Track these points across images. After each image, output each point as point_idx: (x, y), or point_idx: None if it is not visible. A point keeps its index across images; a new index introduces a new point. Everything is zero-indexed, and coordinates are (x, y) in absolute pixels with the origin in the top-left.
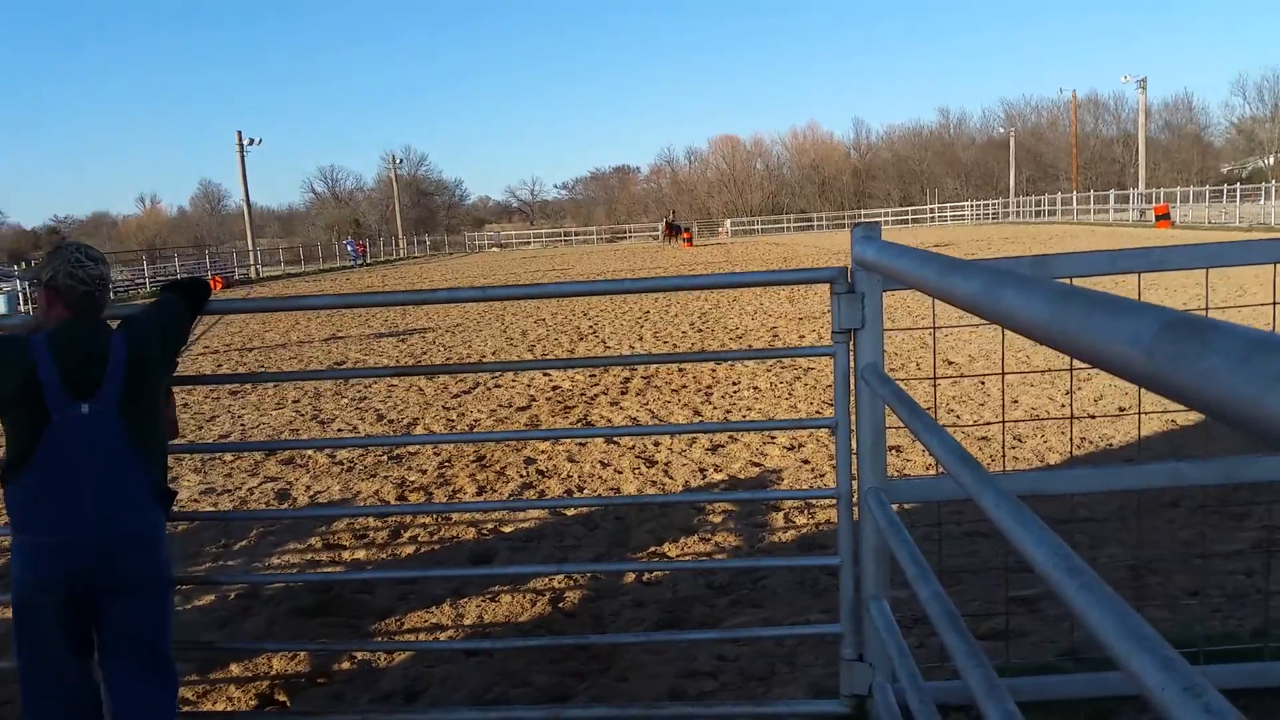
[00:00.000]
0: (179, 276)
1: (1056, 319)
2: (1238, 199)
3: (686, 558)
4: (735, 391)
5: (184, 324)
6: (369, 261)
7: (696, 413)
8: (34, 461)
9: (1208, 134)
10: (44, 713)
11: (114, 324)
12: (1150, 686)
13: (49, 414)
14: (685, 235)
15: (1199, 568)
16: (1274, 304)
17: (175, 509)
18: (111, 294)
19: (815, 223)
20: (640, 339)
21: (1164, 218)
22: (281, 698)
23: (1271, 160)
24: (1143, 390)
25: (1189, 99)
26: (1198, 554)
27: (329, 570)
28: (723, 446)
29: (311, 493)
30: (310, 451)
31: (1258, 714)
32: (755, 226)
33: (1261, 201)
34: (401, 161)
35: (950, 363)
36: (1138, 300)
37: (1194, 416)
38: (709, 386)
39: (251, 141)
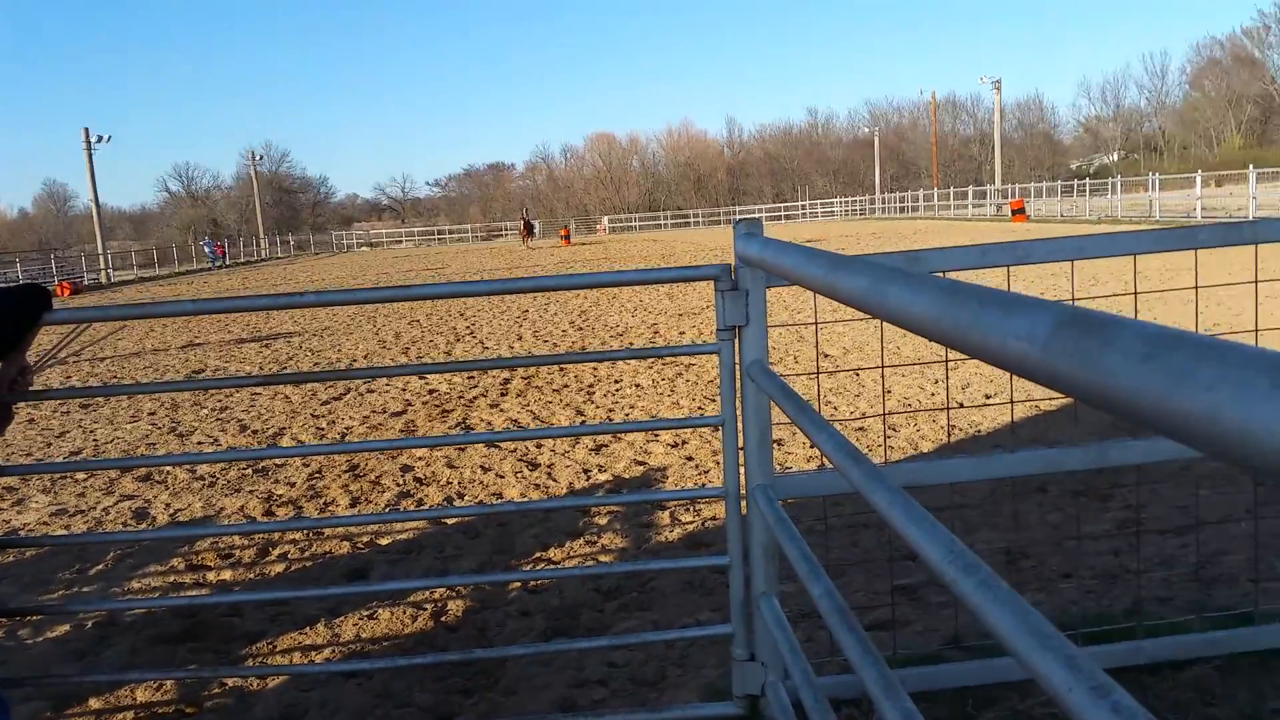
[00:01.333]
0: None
1: (946, 315)
2: (1087, 194)
3: (573, 562)
4: (618, 390)
5: None
6: (228, 263)
7: (579, 412)
8: None
9: (1057, 132)
10: None
11: None
12: (1056, 686)
13: None
14: (563, 233)
15: (1070, 550)
16: (1134, 294)
17: (23, 533)
18: None
19: (692, 219)
20: (519, 338)
21: (1019, 212)
22: None
23: (1115, 157)
24: (1012, 378)
25: (1040, 100)
26: (1069, 536)
27: (193, 594)
28: (606, 446)
29: (172, 510)
30: (169, 467)
31: (1134, 691)
32: (633, 223)
33: (1108, 196)
34: (262, 158)
35: (826, 355)
36: (1029, 295)
37: (1060, 402)
38: (590, 385)
39: (100, 139)
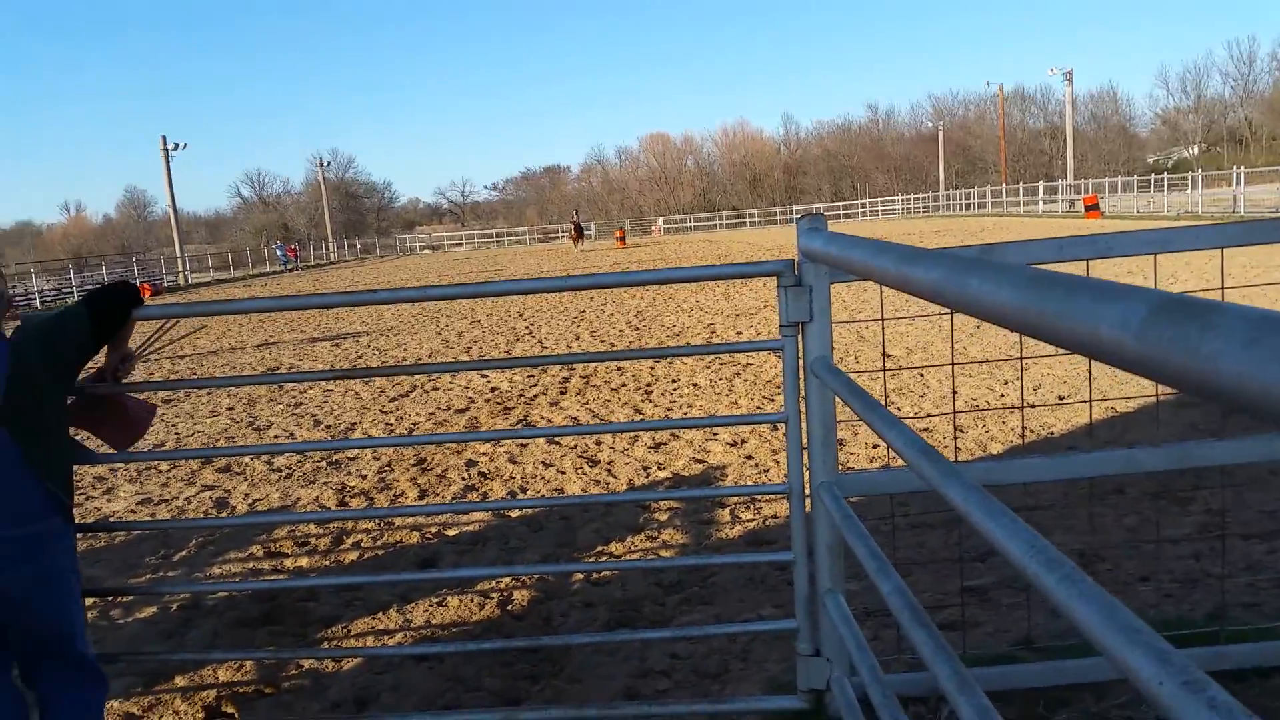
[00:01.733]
0: (103, 284)
1: (1032, 304)
2: (1165, 189)
3: (634, 557)
4: (675, 389)
5: (81, 335)
6: (300, 266)
7: (637, 411)
8: None
9: (1133, 125)
10: None
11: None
12: (1146, 681)
13: None
14: (619, 235)
15: (1148, 553)
16: (1220, 289)
17: (113, 519)
18: (10, 305)
19: (747, 219)
20: (577, 338)
21: (1094, 208)
22: (229, 709)
23: (1195, 150)
24: (1090, 379)
25: (1114, 91)
26: (1146, 540)
27: (272, 579)
28: (665, 444)
29: (250, 500)
30: (248, 459)
31: None
32: (688, 224)
33: (1188, 191)
34: (329, 164)
35: (889, 355)
36: (1120, 283)
37: (1138, 403)
38: (648, 384)
39: (176, 146)
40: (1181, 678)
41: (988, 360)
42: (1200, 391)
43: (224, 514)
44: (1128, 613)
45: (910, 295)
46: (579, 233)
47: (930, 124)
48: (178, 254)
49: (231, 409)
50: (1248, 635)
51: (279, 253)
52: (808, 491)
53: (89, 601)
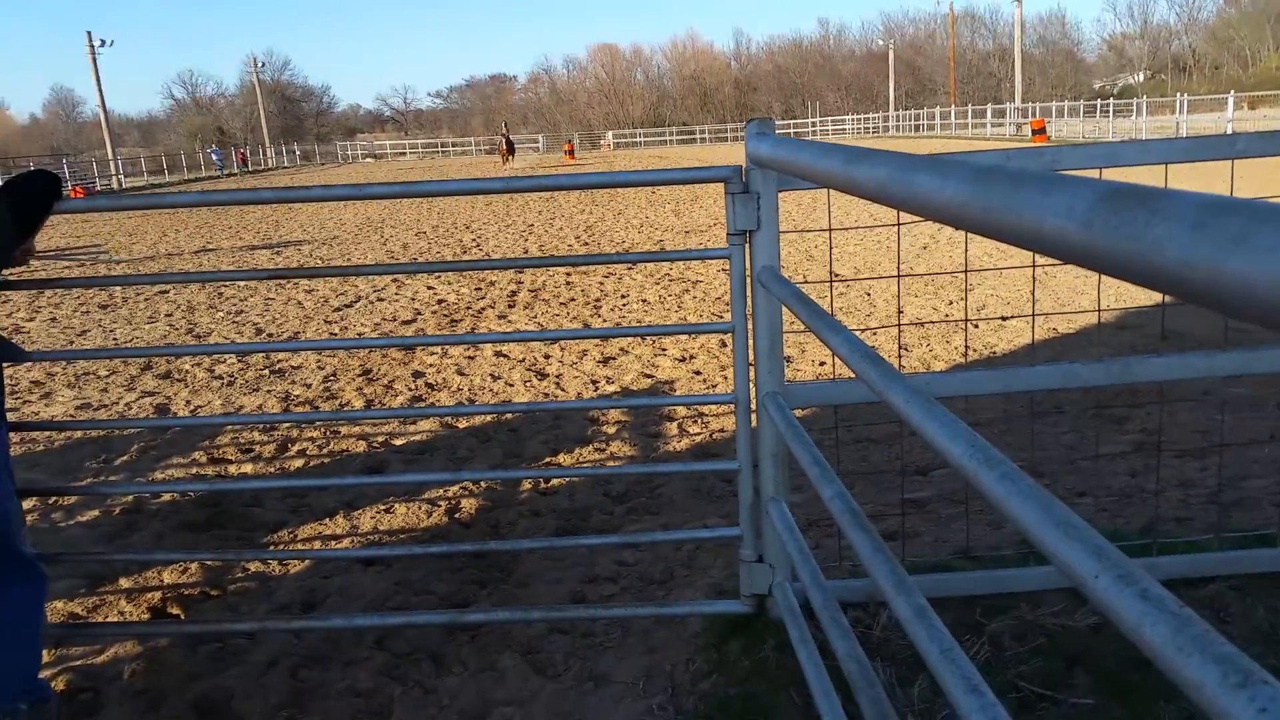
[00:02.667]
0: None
1: (977, 198)
2: (1110, 114)
3: (583, 468)
4: (624, 304)
5: (1, 232)
6: (235, 171)
7: (586, 325)
8: None
9: (1081, 50)
10: None
11: None
12: (1082, 575)
13: None
14: (567, 148)
15: (1085, 469)
16: None
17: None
18: None
19: (698, 135)
20: (525, 252)
21: (1040, 132)
22: (175, 610)
23: (1141, 77)
24: (1034, 299)
25: (1063, 15)
26: (1084, 456)
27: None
28: (614, 359)
29: (192, 407)
30: (189, 366)
31: None
32: (637, 139)
33: (1133, 118)
34: (264, 65)
35: (836, 276)
36: (1066, 174)
37: (1079, 324)
38: (597, 299)
39: (103, 43)
40: (1116, 571)
41: (933, 273)
42: (1147, 279)
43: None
44: (1065, 509)
45: (858, 197)
46: (509, 148)
47: (881, 42)
48: (110, 156)
49: (170, 315)
50: (1178, 548)
51: (214, 157)
52: (754, 403)
53: (29, 504)
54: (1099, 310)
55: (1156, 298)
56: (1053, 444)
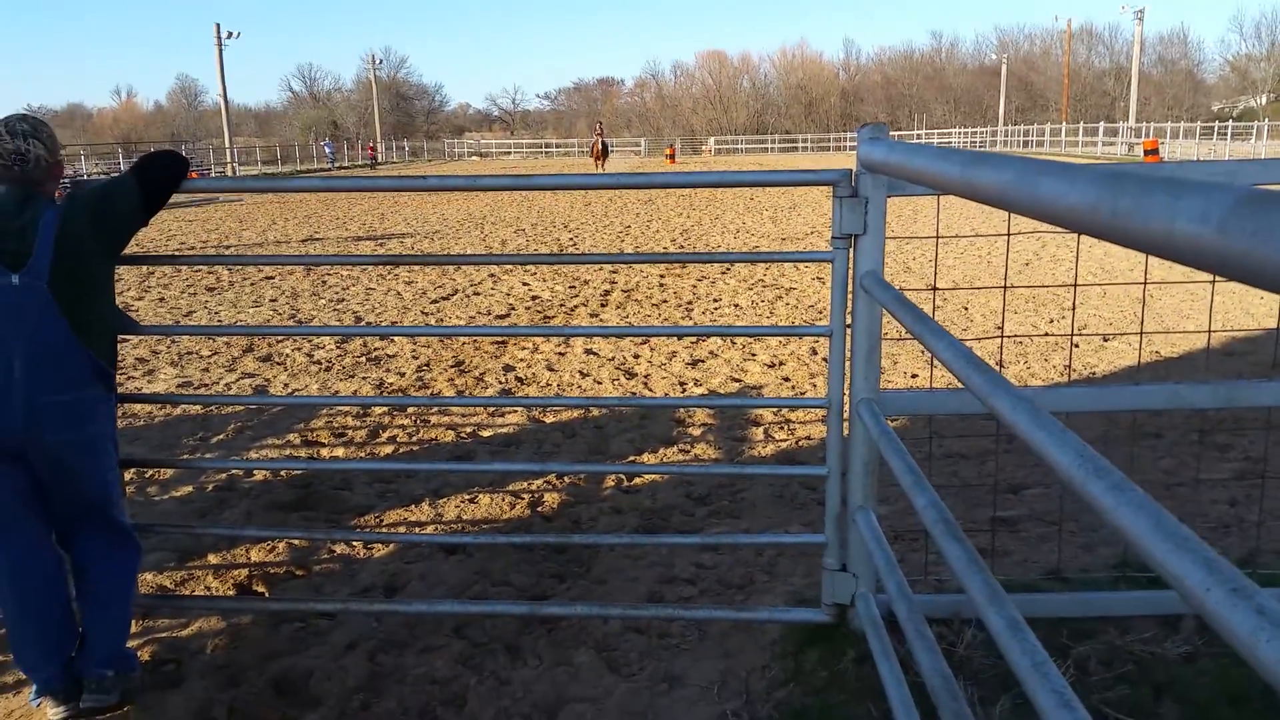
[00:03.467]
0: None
1: (1104, 202)
2: (1228, 137)
3: None
4: (716, 308)
5: (130, 205)
6: (347, 165)
7: (678, 327)
8: None
9: (1201, 70)
10: (5, 570)
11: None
12: (1193, 587)
13: None
14: (669, 152)
15: (1183, 496)
16: None
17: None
18: (50, 169)
19: (800, 144)
20: (621, 252)
21: (1153, 153)
22: (259, 588)
23: (1264, 100)
24: (1143, 318)
25: (1185, 33)
26: (1182, 482)
27: (308, 463)
28: (703, 361)
29: (289, 390)
30: (288, 350)
31: None
32: (739, 146)
33: (1252, 141)
34: (381, 63)
35: (935, 289)
36: (1199, 180)
37: (1186, 346)
38: (689, 302)
39: (229, 35)
40: (1230, 585)
41: (1037, 286)
42: None
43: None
44: (1175, 521)
45: (977, 202)
46: (603, 151)
47: (994, 56)
48: (226, 145)
49: (274, 301)
50: (1277, 581)
51: (327, 150)
52: (846, 409)
53: (126, 474)
54: (1209, 332)
55: (1267, 324)
56: (1151, 468)
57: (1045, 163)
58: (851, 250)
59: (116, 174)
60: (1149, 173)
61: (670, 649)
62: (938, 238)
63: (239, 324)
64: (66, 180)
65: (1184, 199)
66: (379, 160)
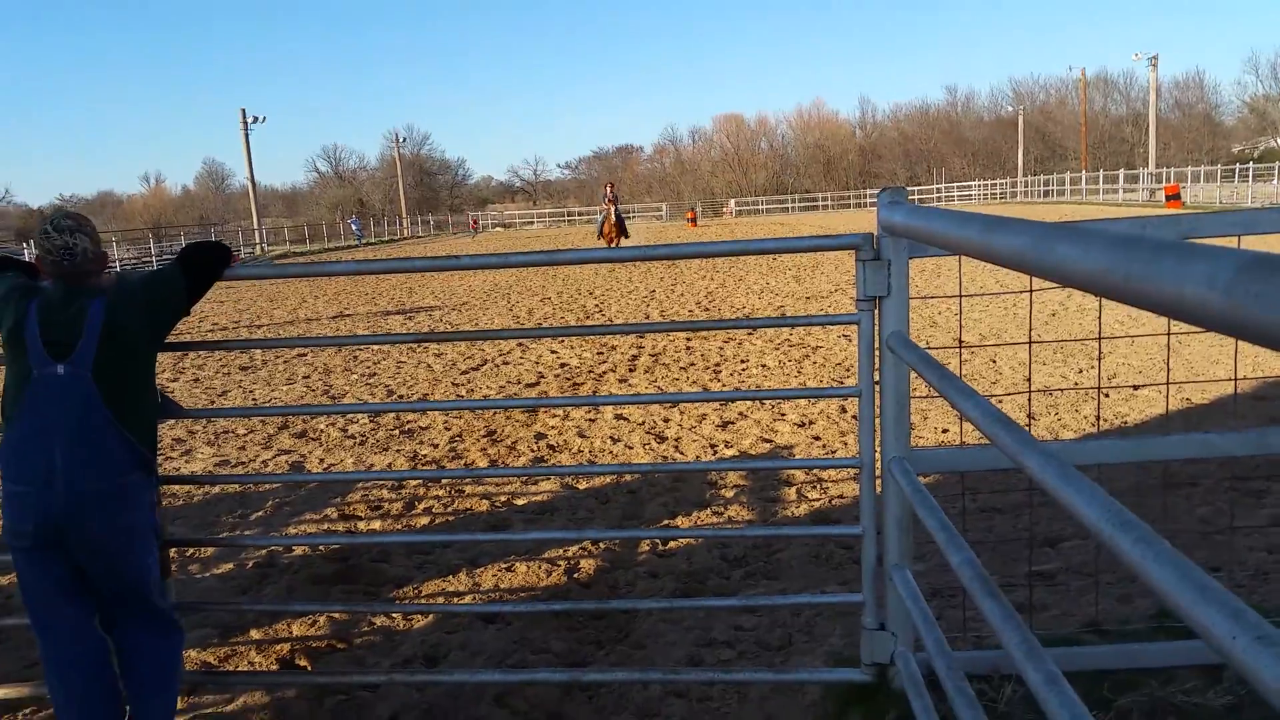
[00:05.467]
0: (197, 241)
1: (1118, 266)
2: (1250, 179)
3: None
4: (744, 369)
5: (176, 295)
6: (373, 240)
7: (705, 390)
8: (18, 414)
9: (1219, 113)
10: (51, 658)
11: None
12: (1220, 637)
13: (30, 370)
14: (690, 215)
15: (1219, 544)
16: None
17: (190, 475)
18: (95, 260)
19: (820, 203)
20: (646, 318)
21: (1174, 198)
22: (302, 662)
23: None
24: (1169, 367)
25: (1200, 77)
26: (1218, 530)
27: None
28: (733, 423)
29: (325, 465)
30: (323, 426)
31: None
32: (760, 206)
33: (1275, 182)
34: (404, 140)
35: (961, 340)
36: (1205, 244)
37: (1215, 394)
38: (717, 364)
39: (255, 119)
40: (1255, 632)
41: (1064, 340)
42: None
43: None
44: (1201, 572)
45: (995, 265)
46: (618, 226)
47: (1010, 108)
48: (255, 226)
49: (308, 378)
50: None
51: (354, 227)
52: (878, 467)
53: (170, 554)
54: (1235, 380)
55: None
56: (1186, 516)
57: (1059, 227)
58: (876, 311)
59: (162, 265)
60: (1166, 231)
61: (712, 713)
62: (960, 296)
63: (273, 402)
64: (112, 267)
65: (1191, 264)
66: (402, 236)
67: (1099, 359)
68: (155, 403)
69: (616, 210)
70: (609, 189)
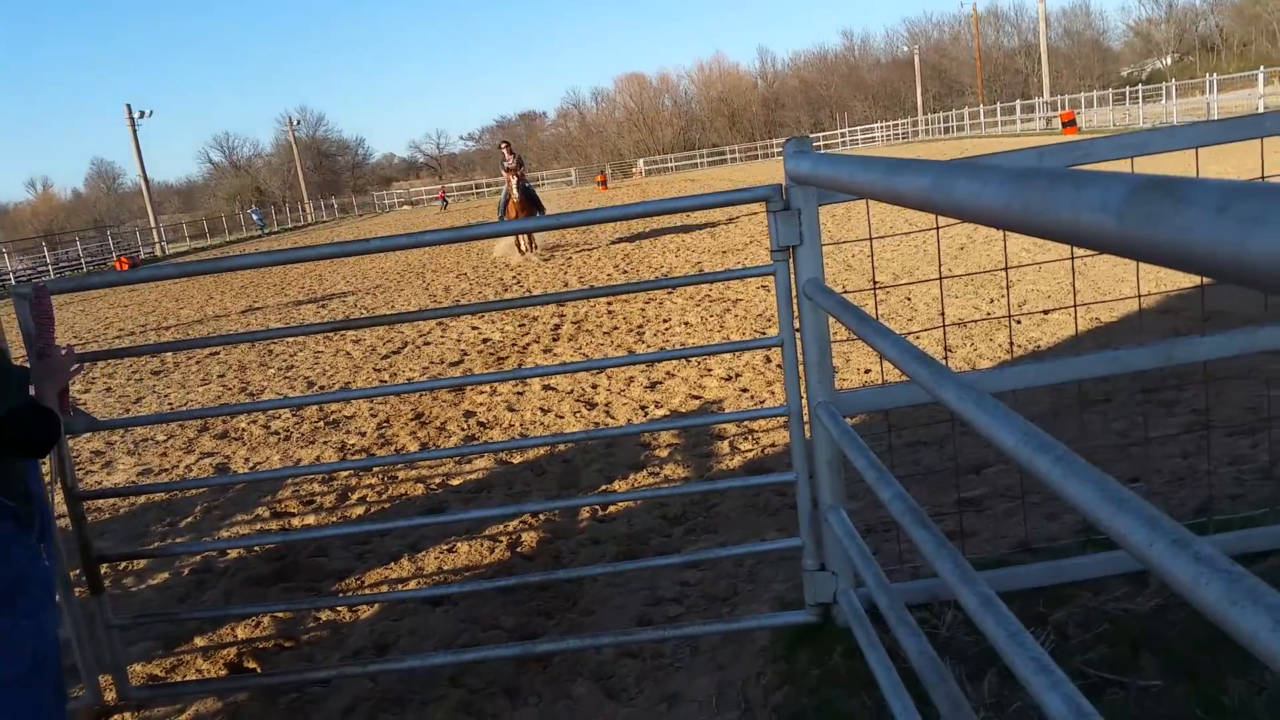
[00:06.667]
0: (25, 410)
1: (1016, 199)
2: (1140, 101)
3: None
4: (667, 328)
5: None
6: (276, 230)
7: (630, 352)
8: None
9: (1106, 39)
10: None
11: None
12: (1137, 544)
13: None
14: (600, 178)
15: (1137, 455)
16: None
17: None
18: None
19: (728, 156)
20: (565, 285)
21: (1070, 124)
22: (251, 664)
23: (1169, 61)
24: (1075, 291)
25: (1086, 5)
26: (1135, 442)
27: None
28: (661, 383)
29: (251, 464)
30: (244, 424)
31: None
32: (669, 164)
33: (1163, 102)
34: (299, 123)
35: (875, 282)
36: (1097, 170)
37: (1121, 311)
38: (640, 326)
39: (142, 114)
40: (1170, 537)
41: (973, 273)
42: (1180, 263)
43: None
44: (1117, 485)
45: (900, 207)
46: (527, 198)
47: (906, 49)
48: (152, 224)
49: (223, 376)
50: (1234, 524)
51: (255, 217)
52: (806, 414)
53: (101, 569)
54: (1139, 296)
55: (1196, 280)
56: (1103, 432)
57: (960, 165)
58: (791, 260)
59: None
60: (1062, 158)
61: (665, 669)
62: (870, 239)
63: (190, 404)
64: None
65: (1085, 191)
66: (306, 222)
67: (1007, 288)
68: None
69: (521, 179)
70: (505, 150)
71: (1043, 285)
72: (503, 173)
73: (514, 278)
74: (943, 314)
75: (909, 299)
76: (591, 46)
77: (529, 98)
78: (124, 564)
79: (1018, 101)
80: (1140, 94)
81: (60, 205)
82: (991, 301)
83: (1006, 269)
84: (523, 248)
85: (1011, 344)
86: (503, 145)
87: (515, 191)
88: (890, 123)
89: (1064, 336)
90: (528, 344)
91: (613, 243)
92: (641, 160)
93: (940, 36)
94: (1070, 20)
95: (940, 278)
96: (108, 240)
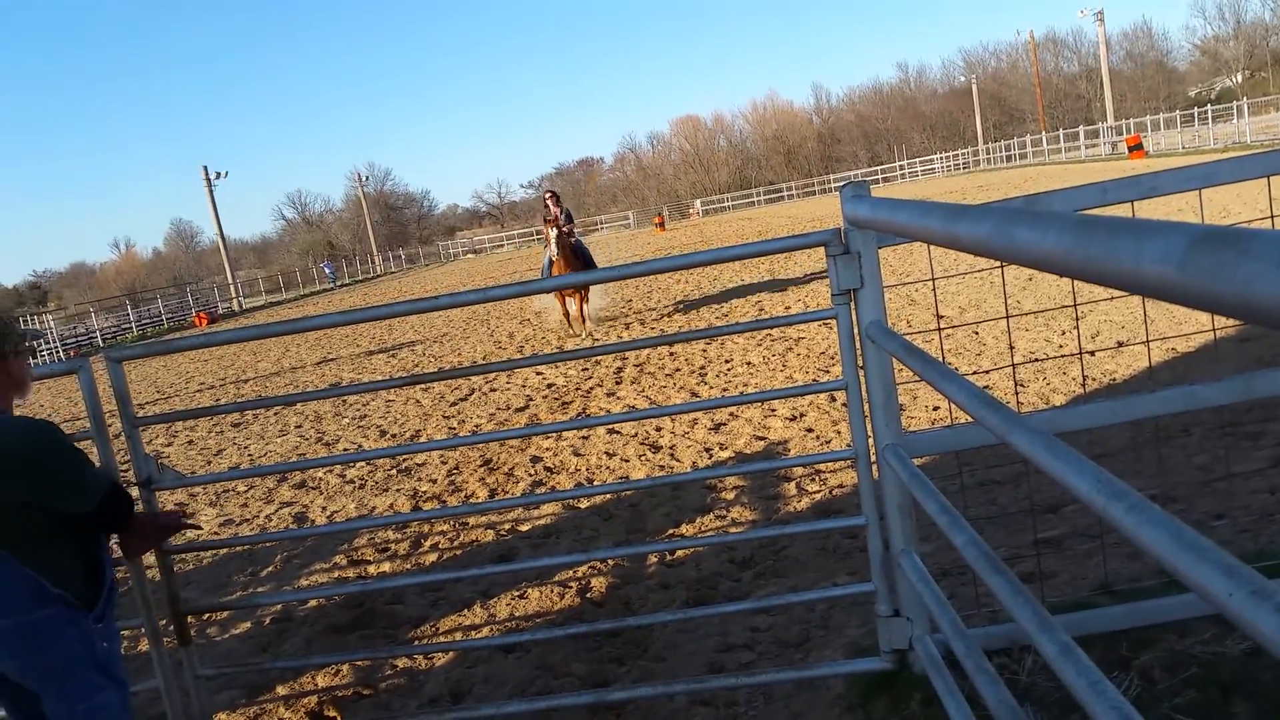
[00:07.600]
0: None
1: (1077, 248)
2: (1209, 121)
3: (705, 536)
4: (729, 369)
5: (68, 503)
6: (347, 281)
7: (693, 394)
8: None
9: (1171, 59)
10: None
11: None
12: (1216, 594)
13: None
14: (658, 220)
15: (1221, 490)
16: (1271, 217)
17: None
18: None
19: (785, 193)
20: (627, 328)
21: (1137, 148)
22: (332, 713)
23: (1239, 79)
24: (1146, 322)
25: (1148, 26)
26: (1217, 477)
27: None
28: (725, 424)
29: (328, 513)
30: (321, 474)
31: None
32: (725, 204)
33: (1234, 121)
34: (367, 178)
35: (941, 316)
36: (1160, 220)
37: (1197, 342)
38: (702, 367)
39: (218, 175)
40: (1249, 587)
41: (1042, 310)
42: (1243, 314)
43: (304, 527)
44: (1194, 533)
45: (959, 252)
46: (572, 252)
47: (963, 78)
48: (229, 280)
49: (300, 427)
50: None
51: (327, 271)
52: (873, 456)
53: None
54: (1214, 329)
55: None
56: (1184, 467)
57: (1018, 212)
58: (853, 303)
59: (92, 470)
60: (1127, 193)
61: (739, 718)
62: (933, 279)
63: (268, 454)
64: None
65: (1146, 241)
66: (375, 274)
67: (1076, 321)
68: (67, 541)
69: (562, 231)
70: (549, 200)
71: (1116, 316)
72: (545, 225)
73: None
74: (1011, 349)
75: (976, 333)
76: (646, 91)
77: (586, 143)
78: (207, 615)
79: (1081, 127)
80: (1210, 114)
81: (142, 264)
82: (1063, 334)
83: (1075, 306)
84: (573, 323)
85: (1084, 377)
86: (548, 195)
87: (555, 247)
88: (950, 153)
89: (1139, 368)
90: (591, 388)
91: (674, 308)
92: (698, 201)
93: (998, 65)
94: (1132, 43)
95: (1007, 315)
96: (187, 297)
